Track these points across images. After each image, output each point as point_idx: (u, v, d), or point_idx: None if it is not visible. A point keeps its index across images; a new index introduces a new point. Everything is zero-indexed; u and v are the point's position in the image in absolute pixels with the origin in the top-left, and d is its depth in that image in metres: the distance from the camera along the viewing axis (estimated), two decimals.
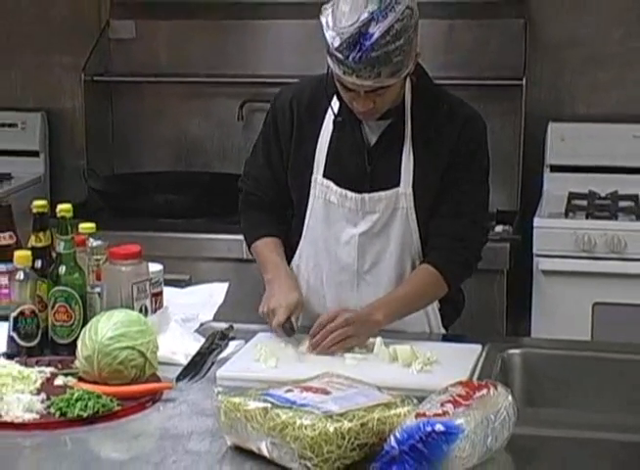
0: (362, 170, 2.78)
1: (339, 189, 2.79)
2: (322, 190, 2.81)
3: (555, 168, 4.34)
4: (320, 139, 2.81)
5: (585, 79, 4.40)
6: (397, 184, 2.76)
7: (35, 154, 4.73)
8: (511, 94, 4.22)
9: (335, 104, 2.78)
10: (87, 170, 4.48)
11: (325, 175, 2.80)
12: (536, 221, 3.91)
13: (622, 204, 4.12)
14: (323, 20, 2.57)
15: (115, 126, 4.74)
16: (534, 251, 3.87)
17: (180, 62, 4.63)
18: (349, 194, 2.78)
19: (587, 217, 3.97)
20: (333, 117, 2.78)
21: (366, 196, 2.77)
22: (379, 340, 2.61)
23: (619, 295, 3.81)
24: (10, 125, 4.73)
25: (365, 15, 2.49)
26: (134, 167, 4.67)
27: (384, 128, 2.78)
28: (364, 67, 2.52)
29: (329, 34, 2.54)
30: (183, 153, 4.71)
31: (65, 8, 4.71)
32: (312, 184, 2.82)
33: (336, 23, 2.53)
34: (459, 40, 4.39)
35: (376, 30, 2.49)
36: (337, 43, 2.52)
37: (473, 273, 2.87)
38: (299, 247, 2.89)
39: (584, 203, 4.13)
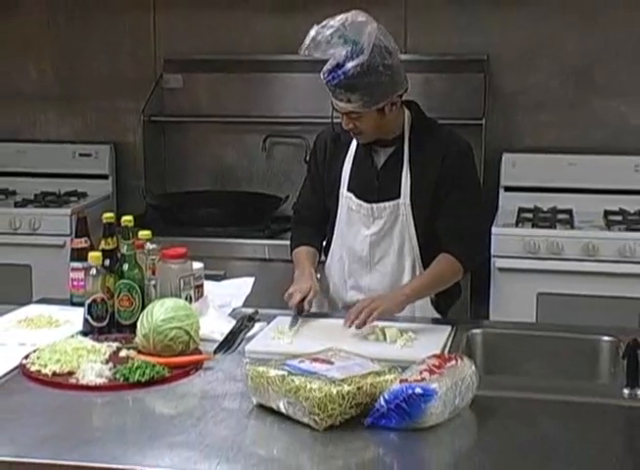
0: (372, 186, 2.83)
1: (356, 200, 2.85)
2: (346, 200, 2.87)
3: (508, 189, 4.32)
4: (345, 164, 2.87)
5: (531, 120, 4.39)
6: (398, 196, 2.80)
7: (105, 177, 4.72)
8: (473, 131, 4.19)
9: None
10: (145, 190, 4.48)
11: (348, 189, 2.86)
12: (494, 230, 3.90)
13: (560, 216, 4.10)
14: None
15: (167, 155, 4.73)
16: (492, 252, 3.85)
17: (217, 106, 4.62)
18: (363, 204, 2.84)
19: (533, 227, 3.94)
20: (354, 147, 2.86)
21: (374, 205, 2.82)
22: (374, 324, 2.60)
23: (558, 287, 3.79)
24: (86, 155, 4.72)
25: (343, 52, 2.59)
26: (182, 187, 4.66)
27: (389, 154, 2.83)
28: (338, 90, 2.64)
29: (322, 70, 2.65)
30: (219, 176, 4.70)
31: (129, 64, 4.71)
32: (340, 196, 2.88)
33: (327, 61, 2.64)
34: (433, 89, 4.36)
35: (349, 65, 2.59)
36: (323, 70, 2.64)
37: (483, 257, 2.95)
38: (332, 243, 2.94)
39: (531, 215, 4.11)
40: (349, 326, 2.57)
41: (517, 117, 4.40)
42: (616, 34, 4.26)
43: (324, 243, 2.98)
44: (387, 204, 2.81)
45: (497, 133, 4.35)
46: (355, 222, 2.86)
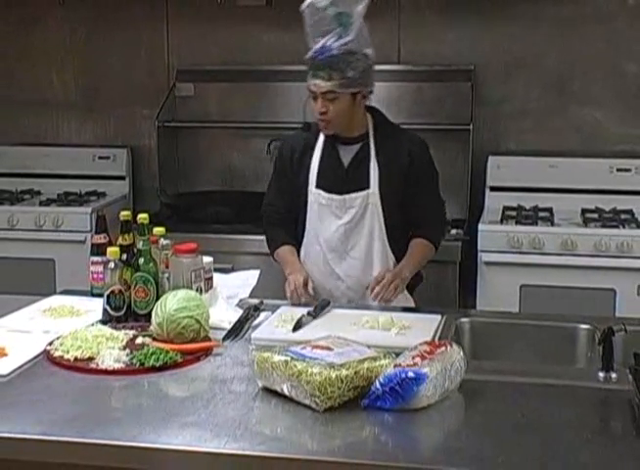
0: (341, 181, 2.89)
1: (327, 194, 2.89)
2: (316, 197, 2.91)
3: (493, 189, 4.31)
4: (312, 164, 2.91)
5: (515, 126, 4.39)
6: (368, 187, 2.86)
7: (122, 178, 4.72)
8: (462, 135, 4.21)
9: (320, 140, 2.92)
10: (159, 189, 4.47)
11: (317, 186, 2.90)
12: (480, 226, 3.90)
13: (541, 214, 4.09)
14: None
15: (180, 158, 4.72)
16: (479, 247, 3.85)
17: (226, 112, 4.61)
18: (334, 196, 2.88)
19: (516, 224, 3.94)
20: (320, 148, 2.91)
21: (346, 196, 2.87)
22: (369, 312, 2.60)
23: (539, 279, 3.79)
24: (105, 158, 4.73)
25: (330, 35, 2.68)
26: (193, 187, 4.66)
27: (355, 151, 2.89)
28: (322, 66, 2.70)
29: (310, 51, 2.72)
30: (227, 177, 4.69)
31: (144, 75, 4.71)
32: (309, 194, 2.91)
33: (312, 46, 2.72)
34: (425, 97, 4.37)
35: (334, 45, 2.68)
36: (312, 50, 2.71)
37: (445, 235, 3.18)
38: (305, 238, 2.96)
39: (514, 213, 4.10)
40: (377, 301, 2.72)
41: (501, 123, 4.40)
42: (590, 48, 4.27)
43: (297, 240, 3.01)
44: (357, 194, 2.87)
45: (483, 138, 4.35)
46: (327, 215, 2.90)
